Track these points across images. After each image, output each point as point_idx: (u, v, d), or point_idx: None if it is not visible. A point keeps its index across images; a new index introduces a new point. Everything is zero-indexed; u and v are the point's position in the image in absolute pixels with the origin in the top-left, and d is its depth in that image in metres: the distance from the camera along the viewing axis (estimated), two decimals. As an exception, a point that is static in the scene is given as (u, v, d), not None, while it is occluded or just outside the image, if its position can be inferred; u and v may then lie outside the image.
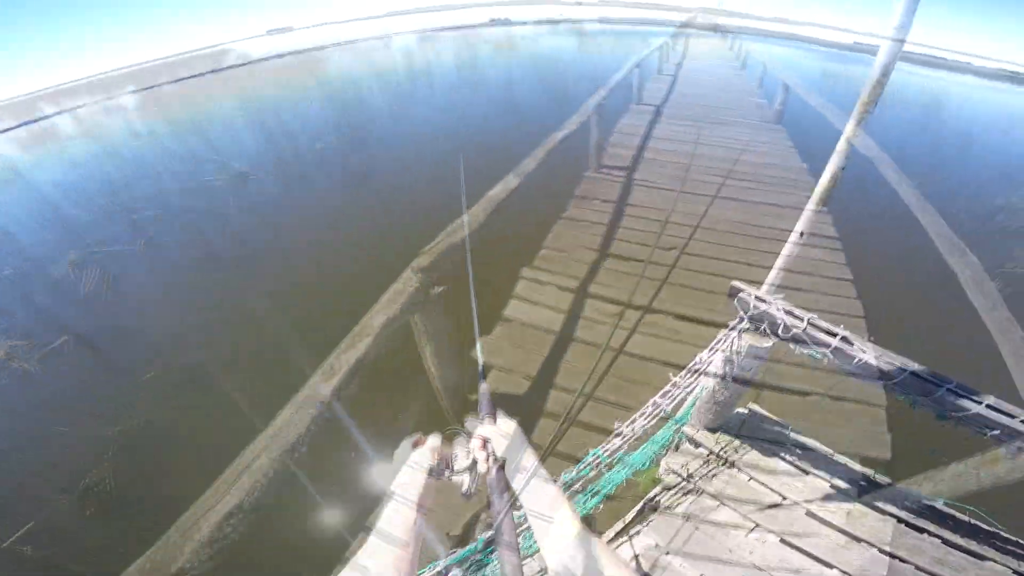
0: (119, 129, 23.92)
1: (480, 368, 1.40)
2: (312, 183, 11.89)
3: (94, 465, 4.94)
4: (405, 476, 1.02)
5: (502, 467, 1.00)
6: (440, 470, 1.04)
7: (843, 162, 2.02)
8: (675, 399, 2.52)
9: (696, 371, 2.54)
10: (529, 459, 1.02)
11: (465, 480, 1.02)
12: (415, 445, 1.07)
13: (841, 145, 2.00)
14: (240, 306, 7.07)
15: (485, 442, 1.05)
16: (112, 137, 21.91)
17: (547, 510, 0.95)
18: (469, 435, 1.09)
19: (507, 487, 0.98)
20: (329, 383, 2.82)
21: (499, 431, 1.07)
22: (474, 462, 1.03)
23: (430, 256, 4.14)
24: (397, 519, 0.95)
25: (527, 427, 4.62)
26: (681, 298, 6.07)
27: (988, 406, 2.35)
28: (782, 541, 3.16)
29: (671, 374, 2.54)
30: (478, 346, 1.52)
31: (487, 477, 1.00)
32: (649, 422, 2.50)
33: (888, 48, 1.75)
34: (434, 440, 1.10)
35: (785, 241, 2.51)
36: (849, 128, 1.95)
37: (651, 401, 2.49)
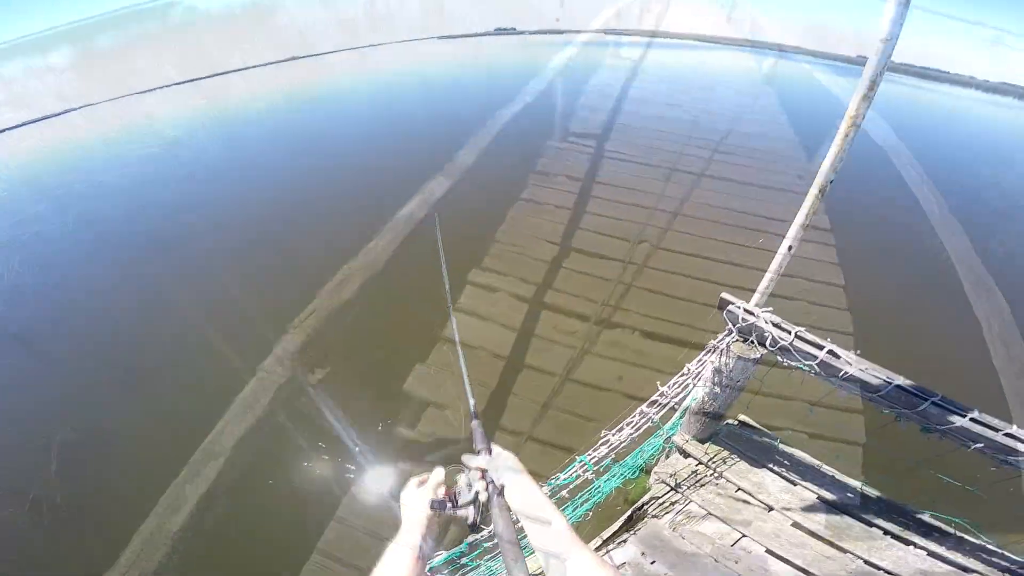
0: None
1: (472, 405, 1.46)
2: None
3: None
4: (409, 519, 1.09)
5: (501, 493, 1.04)
6: (444, 504, 1.08)
7: (831, 176, 2.02)
8: (663, 408, 2.51)
9: (684, 381, 2.54)
10: (527, 484, 1.06)
11: (470, 513, 1.06)
12: (420, 484, 1.14)
13: (828, 160, 2.00)
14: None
15: (483, 473, 1.10)
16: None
17: (547, 532, 0.97)
18: (468, 468, 1.14)
19: (508, 511, 1.01)
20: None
21: (496, 461, 1.12)
22: (476, 494, 1.07)
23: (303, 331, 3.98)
24: (398, 564, 0.99)
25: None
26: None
27: (972, 419, 2.36)
28: (768, 551, 3.16)
29: (659, 383, 2.54)
30: (467, 386, 1.57)
31: (489, 505, 1.04)
32: (635, 432, 2.49)
33: (875, 60, 1.76)
34: (437, 476, 1.17)
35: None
36: (837, 142, 1.95)
37: (638, 410, 2.49)
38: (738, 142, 13.93)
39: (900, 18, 1.65)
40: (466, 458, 1.17)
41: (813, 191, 2.08)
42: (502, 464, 1.11)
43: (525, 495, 1.03)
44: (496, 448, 1.20)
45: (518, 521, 1.01)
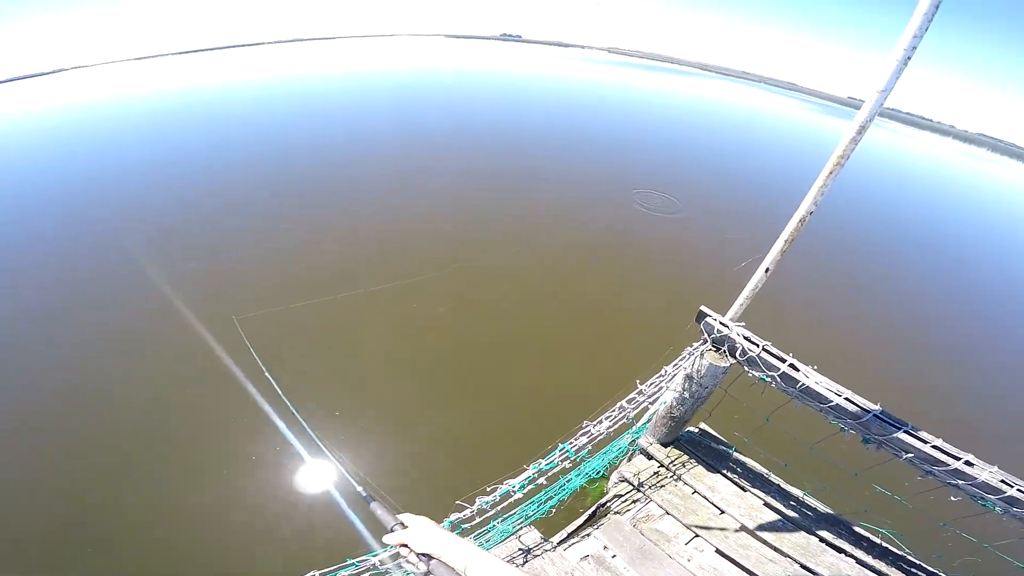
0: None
1: (363, 492, 1.58)
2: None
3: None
4: None
5: (431, 557, 1.08)
6: None
7: (811, 208, 2.16)
8: (639, 406, 2.60)
9: (660, 383, 2.64)
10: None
11: (421, 568, 1.10)
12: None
13: (811, 193, 2.14)
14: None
15: (406, 546, 1.14)
16: None
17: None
18: (390, 547, 1.18)
19: (445, 567, 1.05)
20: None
21: (413, 531, 1.15)
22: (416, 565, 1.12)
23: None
24: None
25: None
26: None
27: (906, 431, 2.53)
28: (717, 551, 3.25)
29: (638, 381, 2.63)
30: (349, 478, 1.69)
31: (428, 570, 1.08)
32: (613, 425, 2.57)
33: (869, 107, 1.86)
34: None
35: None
36: (821, 178, 2.08)
37: (617, 405, 2.57)
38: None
39: (898, 73, 1.76)
40: (386, 538, 1.20)
41: (793, 221, 2.22)
42: (420, 532, 1.14)
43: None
44: (406, 518, 1.23)
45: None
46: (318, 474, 4.77)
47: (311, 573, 1.93)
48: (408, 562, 1.13)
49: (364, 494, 1.54)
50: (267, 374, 2.85)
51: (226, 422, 5.31)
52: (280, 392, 2.63)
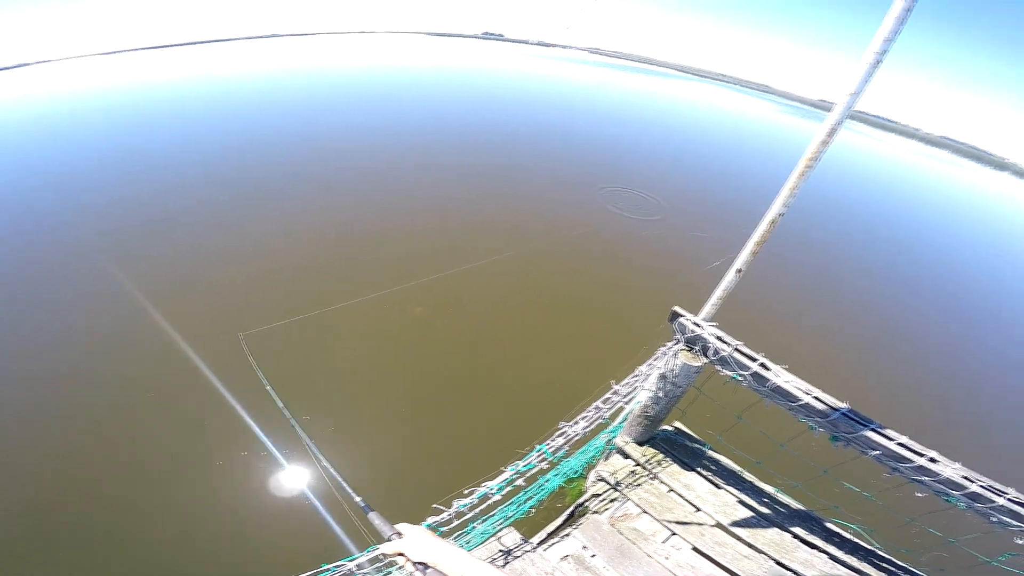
0: None
1: (360, 501, 1.59)
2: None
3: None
4: None
5: (427, 566, 1.09)
6: None
7: (782, 210, 2.18)
8: (614, 406, 2.61)
9: (635, 383, 2.65)
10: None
11: None
12: None
13: (782, 195, 2.16)
14: None
15: (402, 555, 1.15)
16: None
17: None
18: (386, 556, 1.23)
19: (442, 575, 1.07)
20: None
21: (409, 541, 1.17)
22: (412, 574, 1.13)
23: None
24: None
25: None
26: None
27: (873, 429, 2.56)
28: (694, 549, 3.27)
29: (613, 381, 2.64)
30: (346, 488, 1.70)
31: None
32: (589, 425, 2.57)
33: (840, 110, 1.87)
34: None
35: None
36: (792, 180, 2.11)
37: (593, 405, 2.58)
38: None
39: (868, 76, 1.78)
40: (384, 548, 1.21)
41: (765, 222, 2.24)
42: (417, 541, 1.15)
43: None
44: (403, 527, 1.24)
45: None
46: (300, 481, 4.75)
47: None
48: (404, 570, 1.14)
49: (362, 504, 1.56)
50: (268, 387, 2.85)
51: (201, 424, 5.25)
52: (281, 405, 2.63)
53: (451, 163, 15.28)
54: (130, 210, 9.98)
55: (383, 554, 1.25)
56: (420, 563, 1.10)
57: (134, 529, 4.41)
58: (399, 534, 1.23)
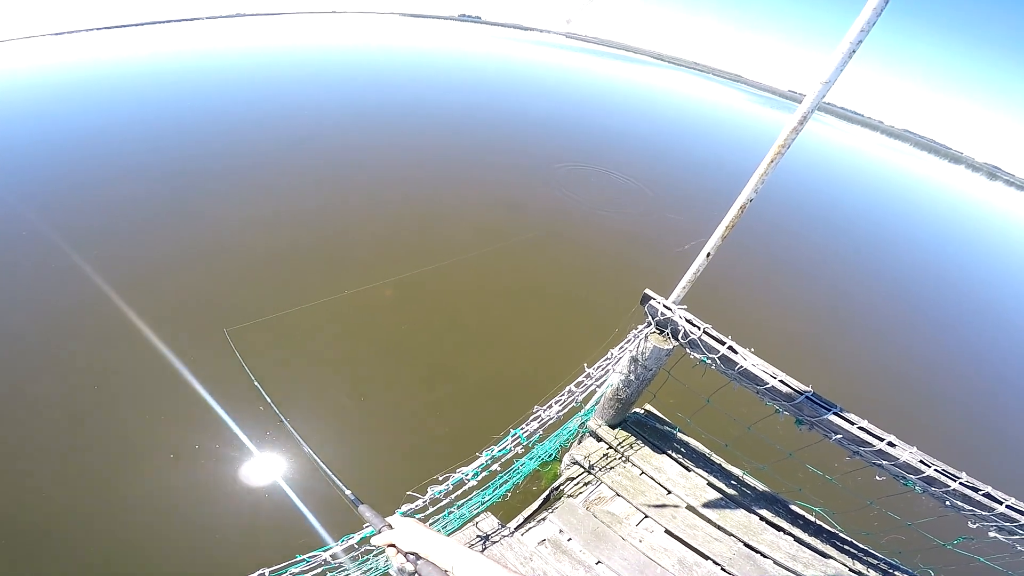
0: None
1: (350, 496, 1.57)
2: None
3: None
4: None
5: (419, 557, 1.07)
6: None
7: (752, 195, 2.18)
8: (587, 389, 2.58)
9: (607, 365, 2.63)
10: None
11: (408, 570, 1.10)
12: None
13: (752, 181, 2.16)
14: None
15: (393, 546, 1.13)
16: None
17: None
18: (378, 547, 1.21)
19: (432, 567, 1.04)
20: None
21: (400, 532, 1.15)
22: (404, 565, 1.11)
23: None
24: None
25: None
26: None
27: (835, 412, 2.57)
28: (666, 532, 3.26)
29: (585, 364, 2.61)
30: (336, 481, 1.67)
31: (416, 570, 1.07)
32: (563, 409, 2.54)
33: (811, 98, 1.87)
34: None
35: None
36: (762, 166, 2.10)
37: (567, 389, 2.54)
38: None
39: (842, 66, 1.78)
40: (375, 540, 1.19)
41: (735, 208, 2.24)
42: (407, 532, 1.13)
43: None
44: (394, 519, 1.22)
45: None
46: (274, 473, 4.61)
47: (261, 571, 1.84)
48: (394, 561, 1.12)
49: (352, 497, 1.54)
50: (256, 383, 2.80)
51: (171, 415, 5.07)
52: (268, 399, 2.60)
53: (424, 148, 14.84)
54: (85, 197, 9.26)
55: (374, 546, 1.21)
56: (411, 553, 1.08)
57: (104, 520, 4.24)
58: (389, 526, 1.21)
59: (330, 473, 1.70)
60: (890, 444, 2.50)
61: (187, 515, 4.28)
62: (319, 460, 1.80)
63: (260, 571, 1.86)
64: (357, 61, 33.08)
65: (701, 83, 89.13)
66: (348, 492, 1.59)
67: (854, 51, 1.78)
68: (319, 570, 2.01)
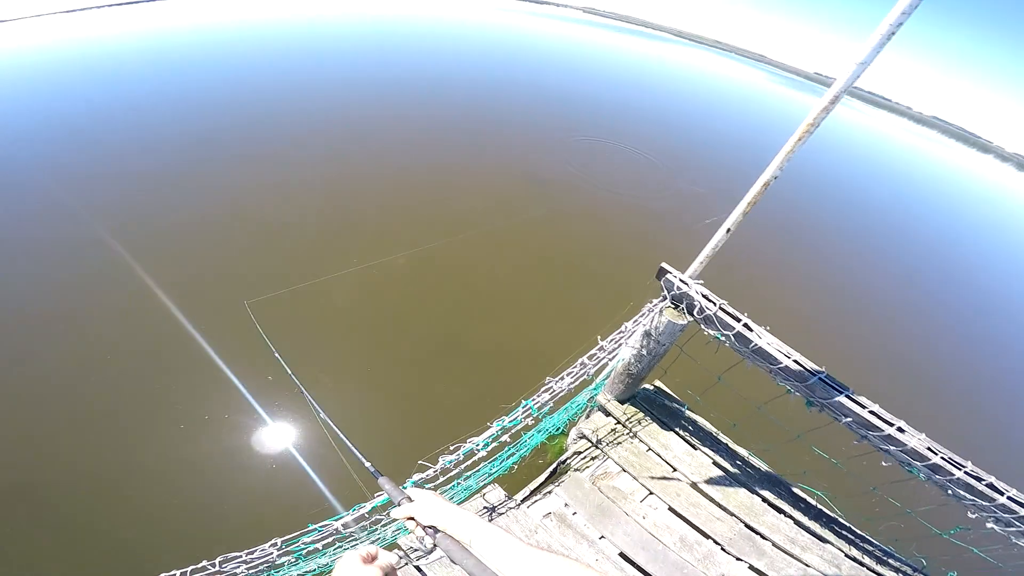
0: None
1: (370, 467, 1.53)
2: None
3: None
4: None
5: (437, 530, 1.05)
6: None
7: (777, 172, 2.13)
8: (599, 362, 2.54)
9: (620, 339, 2.59)
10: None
11: (427, 543, 1.08)
12: (367, 561, 0.94)
13: (778, 159, 2.10)
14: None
15: (413, 519, 1.10)
16: None
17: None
18: (397, 520, 1.20)
19: (451, 540, 1.02)
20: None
21: (419, 505, 1.12)
22: (423, 537, 1.08)
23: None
24: None
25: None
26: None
27: (847, 395, 2.53)
28: (670, 509, 3.24)
29: (599, 337, 2.57)
30: (357, 453, 1.63)
31: (434, 543, 1.05)
32: (574, 381, 2.50)
33: (846, 78, 1.82)
34: (388, 558, 0.98)
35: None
36: (789, 144, 2.04)
37: (579, 361, 2.50)
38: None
39: (880, 47, 1.72)
40: (394, 512, 1.17)
41: (758, 184, 2.18)
42: (426, 505, 1.11)
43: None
44: (413, 492, 1.20)
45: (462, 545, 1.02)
46: (287, 443, 4.60)
47: (273, 540, 1.83)
48: (419, 535, 1.09)
49: (372, 469, 1.51)
50: (276, 354, 2.74)
51: (187, 386, 5.06)
52: (289, 370, 2.51)
53: (441, 120, 14.66)
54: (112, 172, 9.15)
55: (393, 518, 1.16)
56: (430, 527, 1.06)
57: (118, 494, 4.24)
58: (409, 499, 1.19)
59: (351, 445, 1.67)
60: (899, 430, 2.46)
61: (198, 485, 4.28)
62: (340, 432, 1.77)
63: (273, 540, 1.85)
64: (376, 31, 32.25)
65: (724, 62, 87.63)
66: (368, 464, 1.56)
67: (893, 33, 1.72)
68: (330, 539, 2.00)
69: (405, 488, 1.26)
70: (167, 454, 4.46)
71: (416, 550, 2.81)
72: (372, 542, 2.38)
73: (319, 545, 1.98)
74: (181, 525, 4.02)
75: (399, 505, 1.18)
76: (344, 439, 1.71)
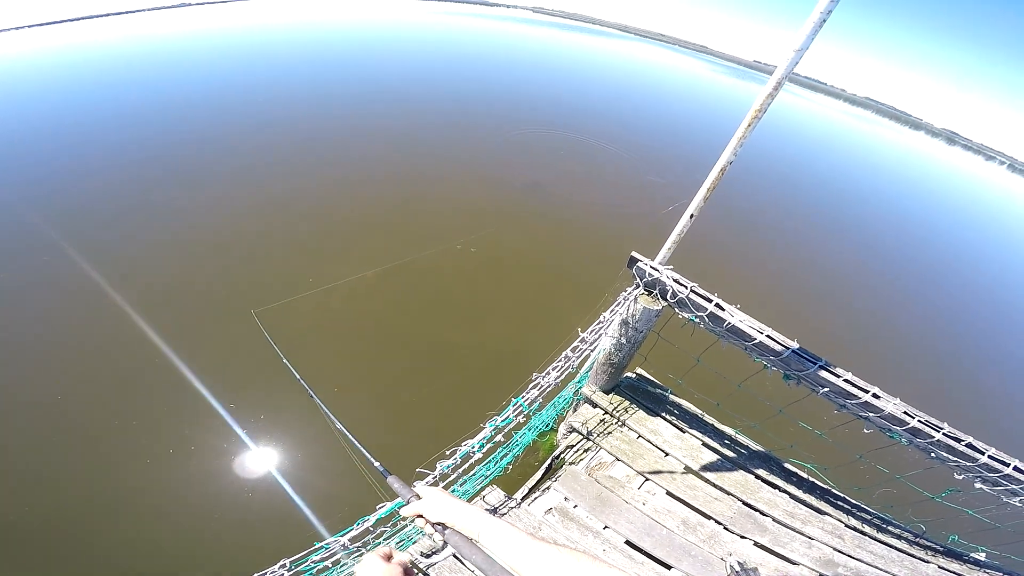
0: None
1: (378, 466, 1.54)
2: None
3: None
4: None
5: (445, 526, 1.05)
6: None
7: (731, 158, 2.18)
8: (582, 353, 2.55)
9: (600, 329, 2.60)
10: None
11: (437, 539, 1.12)
12: (385, 558, 0.98)
13: (731, 144, 2.16)
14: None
15: (421, 516, 1.11)
16: None
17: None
18: (406, 518, 1.18)
19: (459, 535, 1.02)
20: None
21: (428, 503, 1.12)
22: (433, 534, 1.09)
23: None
24: None
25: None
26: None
27: (821, 366, 2.54)
28: (668, 493, 3.22)
29: (579, 329, 2.58)
30: (365, 452, 1.63)
31: (443, 539, 1.05)
32: (561, 375, 2.50)
33: (785, 65, 1.89)
34: (403, 557, 1.03)
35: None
36: (740, 130, 2.10)
37: (563, 354, 2.51)
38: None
39: (813, 34, 1.80)
40: (403, 511, 1.17)
41: (715, 170, 2.23)
42: (435, 502, 1.11)
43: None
44: (421, 489, 1.20)
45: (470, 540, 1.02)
46: (270, 465, 4.51)
47: (282, 561, 1.79)
48: (427, 532, 1.09)
49: (381, 468, 1.51)
50: (285, 361, 2.70)
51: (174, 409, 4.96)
52: (299, 377, 2.47)
53: (397, 130, 13.98)
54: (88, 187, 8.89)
55: (403, 517, 1.18)
56: (438, 524, 1.06)
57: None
58: (417, 496, 1.19)
59: (360, 446, 1.66)
60: (875, 396, 2.48)
61: (213, 506, 4.19)
62: (349, 434, 1.75)
63: (281, 561, 1.82)
64: (310, 40, 31.67)
65: (668, 54, 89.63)
66: (378, 464, 1.56)
67: (824, 20, 1.81)
68: (337, 556, 1.97)
69: (413, 487, 1.25)
70: (160, 477, 4.35)
71: (422, 559, 2.77)
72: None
73: (329, 563, 1.95)
74: (182, 551, 3.92)
75: (408, 503, 1.19)
76: (353, 440, 1.70)
